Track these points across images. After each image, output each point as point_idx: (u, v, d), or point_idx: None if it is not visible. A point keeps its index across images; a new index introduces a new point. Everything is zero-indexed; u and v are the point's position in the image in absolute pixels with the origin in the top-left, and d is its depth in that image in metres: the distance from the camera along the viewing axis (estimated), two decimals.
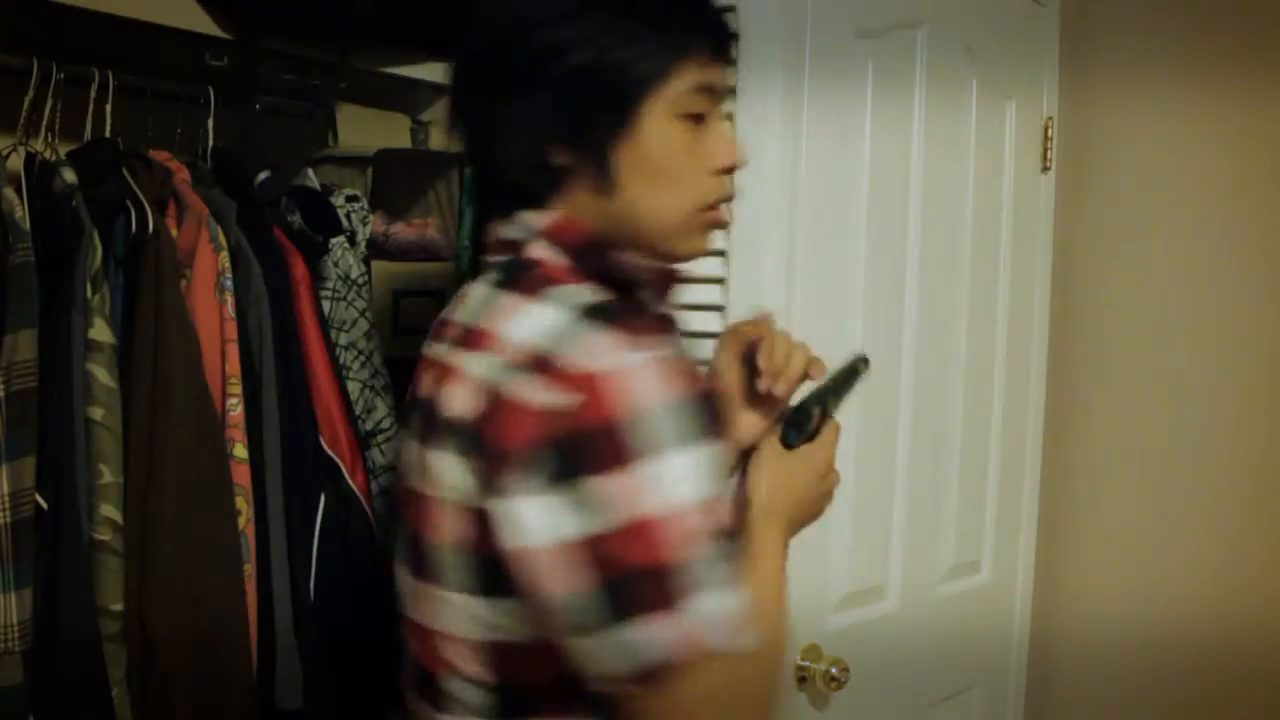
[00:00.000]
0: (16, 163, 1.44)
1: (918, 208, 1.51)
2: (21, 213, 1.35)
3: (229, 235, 1.52)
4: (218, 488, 1.42)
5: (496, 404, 0.86)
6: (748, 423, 1.15)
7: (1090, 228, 1.84)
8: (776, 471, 1.09)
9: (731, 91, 1.04)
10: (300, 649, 1.48)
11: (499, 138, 0.98)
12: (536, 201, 0.98)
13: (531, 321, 0.89)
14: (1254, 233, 1.74)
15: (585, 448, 0.82)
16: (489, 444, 0.85)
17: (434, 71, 1.99)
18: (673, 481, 0.82)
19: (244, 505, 1.44)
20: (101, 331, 1.37)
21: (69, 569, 1.32)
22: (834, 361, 1.14)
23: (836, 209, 1.38)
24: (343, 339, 1.70)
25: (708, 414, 0.86)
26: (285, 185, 1.66)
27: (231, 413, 1.46)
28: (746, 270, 1.29)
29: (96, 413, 1.35)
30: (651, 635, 0.81)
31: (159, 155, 1.54)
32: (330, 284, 1.72)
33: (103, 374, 1.36)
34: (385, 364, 1.74)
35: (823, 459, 1.12)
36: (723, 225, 1.03)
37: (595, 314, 0.88)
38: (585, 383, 0.83)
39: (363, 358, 1.72)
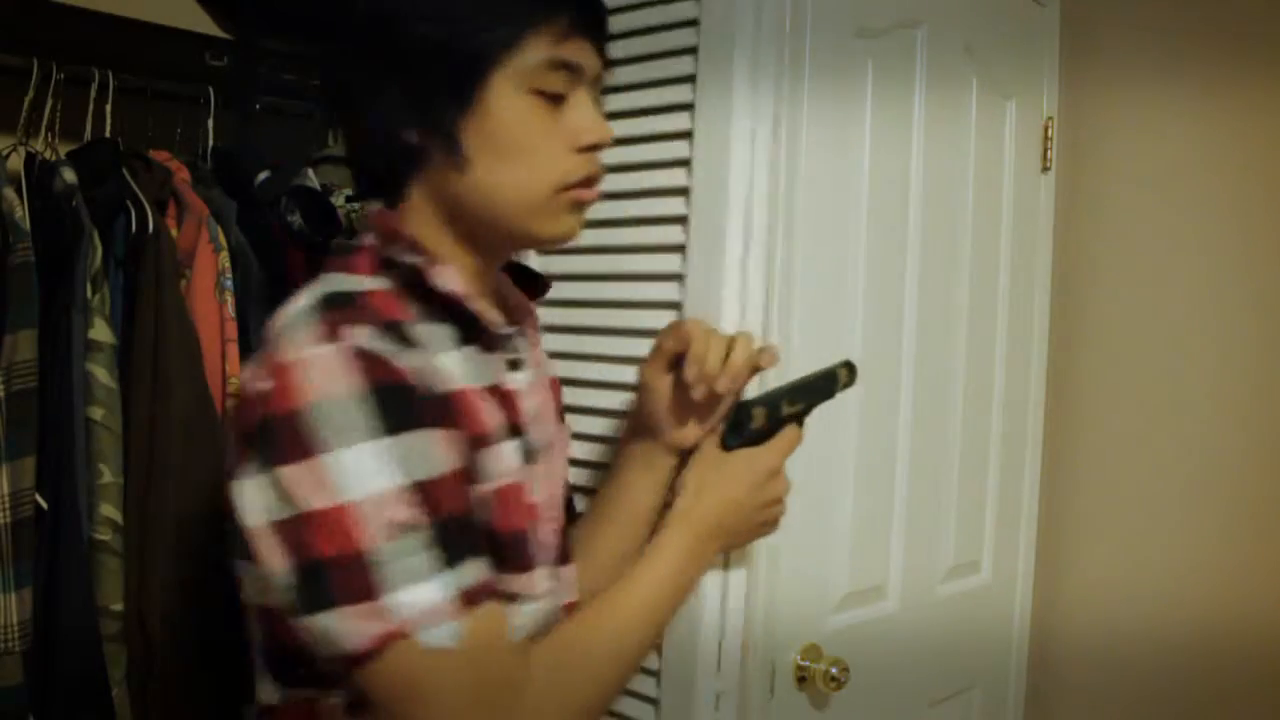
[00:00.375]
0: (16, 163, 1.44)
1: (917, 207, 1.51)
2: (21, 213, 1.35)
3: (229, 235, 1.52)
4: (218, 488, 1.41)
5: (240, 387, 0.91)
6: (693, 435, 1.12)
7: (1090, 228, 1.84)
8: (704, 474, 1.08)
9: (604, 74, 0.99)
10: None
11: (352, 120, 0.97)
12: (395, 186, 0.96)
13: (289, 308, 0.91)
14: (1255, 233, 1.74)
15: (273, 436, 0.83)
16: (229, 425, 0.92)
17: None
18: (354, 473, 0.81)
19: None
20: (101, 331, 1.37)
21: (69, 569, 1.32)
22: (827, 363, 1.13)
23: (836, 208, 1.38)
24: None
25: (402, 405, 0.84)
26: (285, 185, 1.66)
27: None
28: (748, 270, 1.29)
29: (96, 413, 1.36)
30: (343, 623, 0.81)
31: (159, 155, 1.54)
32: None
33: (103, 374, 1.36)
34: None
35: (764, 464, 1.08)
36: (586, 204, 0.99)
37: (324, 303, 0.89)
38: (278, 371, 0.84)
39: None
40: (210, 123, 1.66)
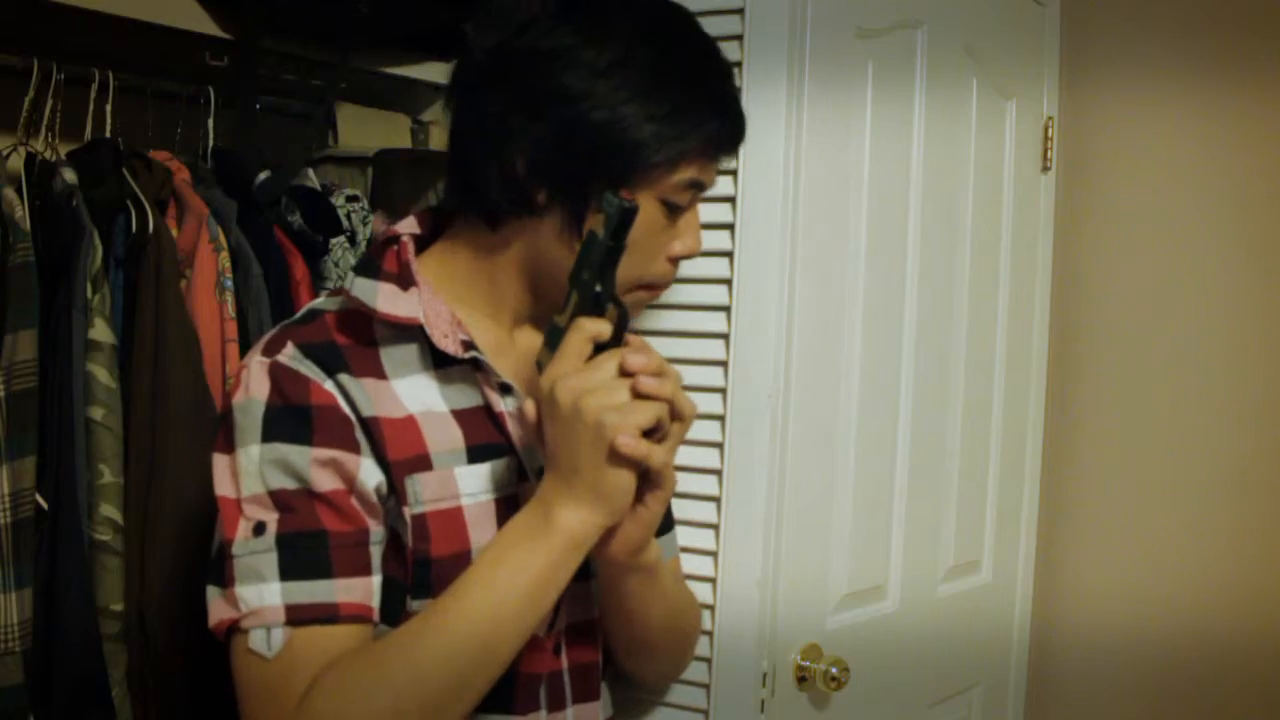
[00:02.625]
0: (16, 163, 1.44)
1: (917, 207, 1.51)
2: (21, 213, 1.35)
3: (229, 235, 1.52)
4: None
5: None
6: None
7: (1090, 228, 1.84)
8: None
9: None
10: None
11: (489, 143, 0.98)
12: (487, 216, 1.00)
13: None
14: (1257, 231, 1.74)
15: (220, 425, 0.97)
16: None
17: (434, 71, 1.99)
18: (243, 472, 0.92)
19: None
20: (102, 331, 1.37)
21: (69, 569, 1.32)
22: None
23: (837, 208, 1.38)
24: None
25: (293, 420, 0.91)
26: (285, 185, 1.66)
27: None
28: (749, 270, 1.29)
29: (96, 413, 1.36)
30: (211, 600, 0.93)
31: (159, 155, 1.54)
32: (330, 284, 1.72)
33: (103, 374, 1.36)
34: None
35: (550, 377, 0.89)
36: (647, 300, 1.06)
37: (300, 316, 1.01)
38: (240, 369, 0.97)
39: None
40: (210, 123, 1.65)
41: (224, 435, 0.96)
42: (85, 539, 1.34)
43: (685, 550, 1.31)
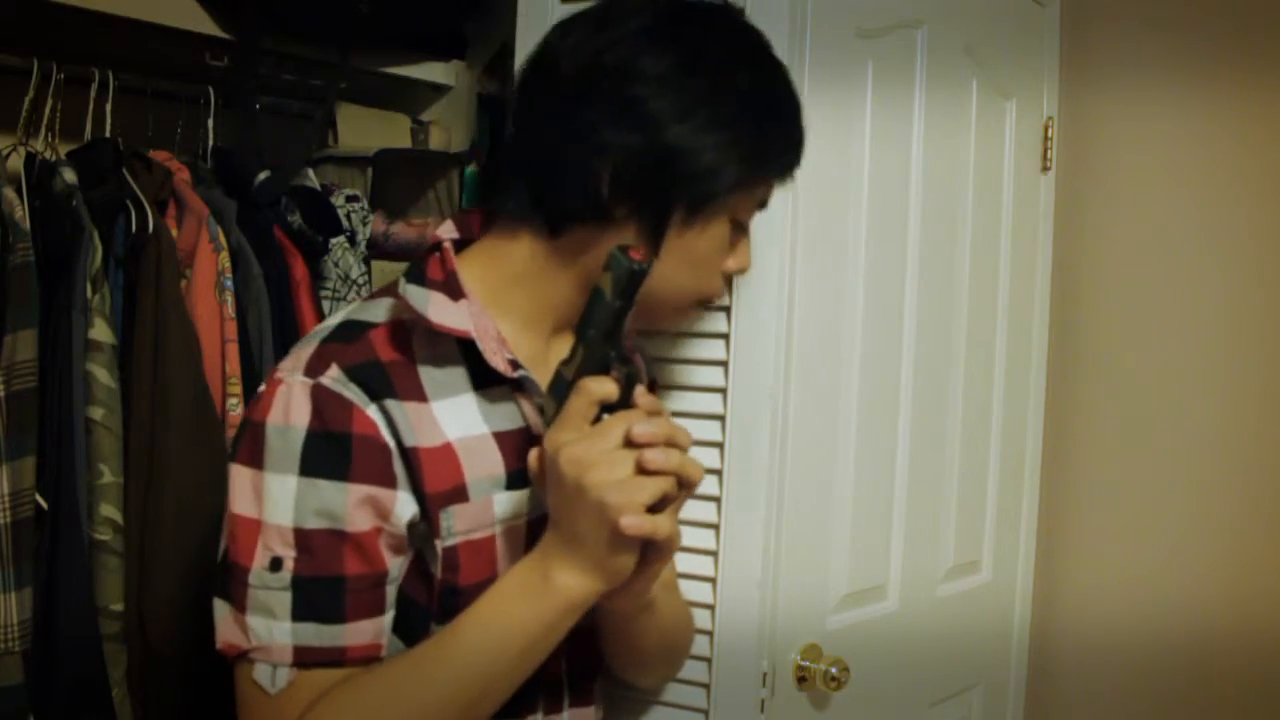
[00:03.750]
0: (16, 163, 1.44)
1: (917, 207, 1.51)
2: (21, 213, 1.35)
3: (229, 235, 1.52)
4: (218, 488, 1.41)
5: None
6: None
7: (1090, 228, 1.84)
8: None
9: None
10: None
11: (577, 152, 0.95)
12: (555, 220, 0.98)
13: (335, 315, 1.01)
14: (1257, 231, 1.74)
15: (241, 436, 0.93)
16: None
17: (434, 71, 1.99)
18: (269, 498, 0.89)
19: None
20: (102, 331, 1.37)
21: (69, 569, 1.32)
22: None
23: (837, 208, 1.38)
24: None
25: (332, 453, 0.89)
26: (285, 185, 1.66)
27: (231, 413, 1.46)
28: (749, 271, 1.29)
29: (96, 413, 1.36)
30: (221, 616, 0.92)
31: (159, 155, 1.55)
32: (330, 284, 1.72)
33: (103, 374, 1.36)
34: None
35: (550, 446, 0.86)
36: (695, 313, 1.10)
37: (336, 330, 0.95)
38: (269, 382, 0.93)
39: None
40: (210, 123, 1.66)
41: (250, 450, 0.91)
42: (85, 539, 1.34)
43: (685, 550, 1.31)
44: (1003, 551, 1.77)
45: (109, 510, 1.36)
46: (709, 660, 1.30)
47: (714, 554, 1.31)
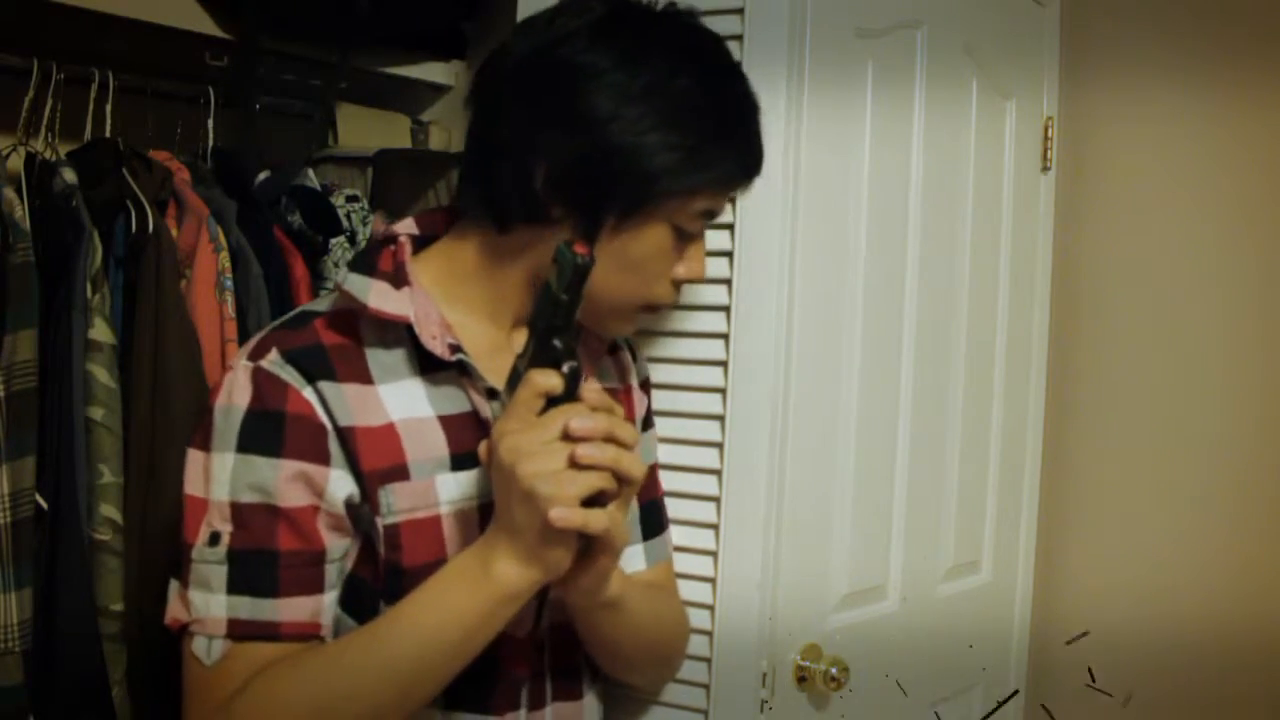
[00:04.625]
0: (16, 163, 1.44)
1: (917, 207, 1.51)
2: (21, 213, 1.35)
3: (229, 235, 1.52)
4: None
5: None
6: None
7: (1090, 228, 1.84)
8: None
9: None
10: None
11: (511, 150, 0.97)
12: (498, 217, 1.00)
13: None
14: (1257, 231, 1.74)
15: (198, 423, 0.98)
16: None
17: (434, 71, 1.99)
18: (212, 477, 0.93)
19: None
20: (102, 331, 1.37)
21: (69, 569, 1.32)
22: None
23: (836, 208, 1.38)
24: None
25: (265, 430, 0.92)
26: (285, 185, 1.66)
27: None
28: (749, 271, 1.29)
29: (96, 413, 1.36)
30: (170, 594, 0.96)
31: (159, 155, 1.54)
32: (330, 284, 1.72)
33: (103, 374, 1.36)
34: None
35: (496, 434, 0.87)
36: (649, 317, 1.09)
37: (287, 320, 1.01)
38: (225, 372, 0.98)
39: None
40: (210, 123, 1.66)
41: (202, 434, 0.96)
42: (85, 539, 1.34)
43: (685, 550, 1.31)
44: (1003, 551, 1.77)
45: (109, 510, 1.35)
46: (709, 660, 1.30)
47: (714, 554, 1.31)
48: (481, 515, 0.99)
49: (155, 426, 1.39)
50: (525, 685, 1.04)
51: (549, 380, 0.86)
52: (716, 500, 1.31)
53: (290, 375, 0.94)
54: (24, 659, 1.28)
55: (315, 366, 0.95)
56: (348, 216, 1.78)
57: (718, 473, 1.31)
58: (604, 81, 0.94)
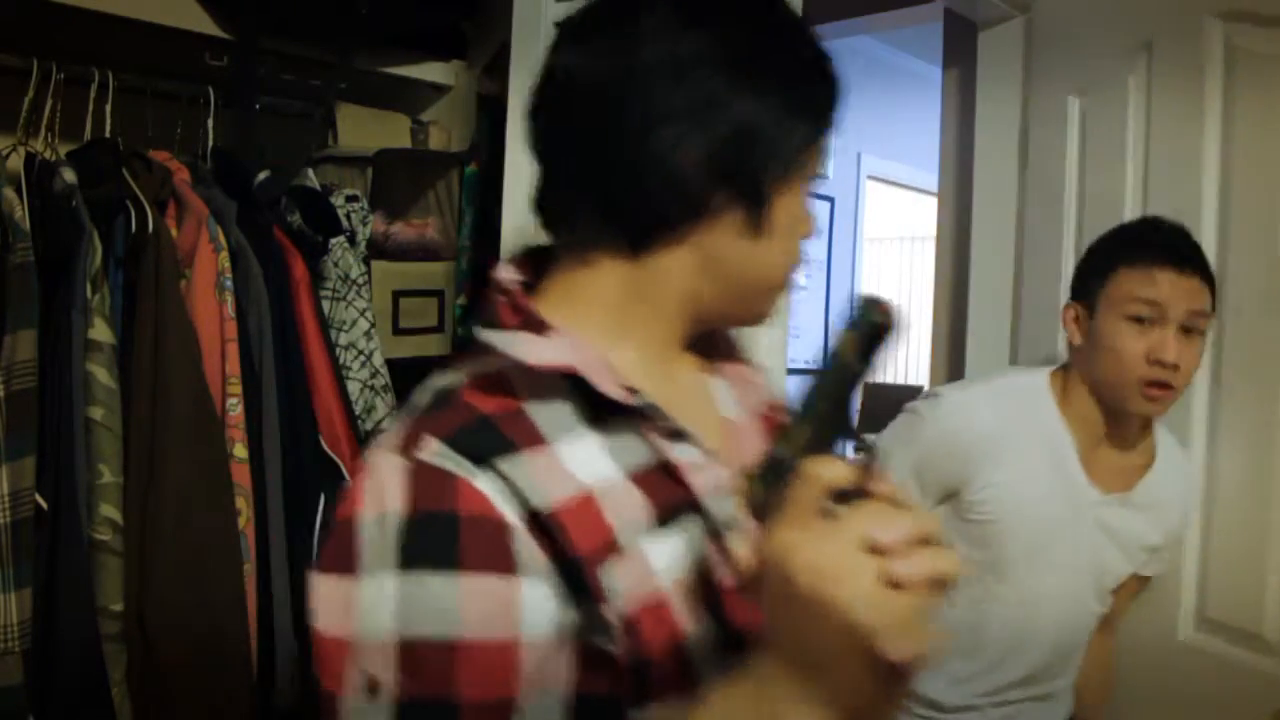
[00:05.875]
0: (16, 163, 1.44)
1: None
2: (21, 213, 1.36)
3: (229, 235, 1.52)
4: (218, 488, 1.42)
5: None
6: None
7: None
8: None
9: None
10: (300, 649, 1.48)
11: (650, 155, 0.87)
12: (638, 234, 0.90)
13: (422, 389, 0.85)
14: None
15: (327, 539, 0.79)
16: None
17: (434, 71, 1.99)
18: (354, 606, 0.74)
19: (244, 505, 1.44)
20: (101, 331, 1.37)
21: (69, 569, 1.32)
22: None
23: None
24: (342, 339, 1.71)
25: (439, 538, 0.74)
26: (285, 185, 1.66)
27: (231, 413, 1.46)
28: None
29: (96, 413, 1.36)
30: None
31: (159, 155, 1.54)
32: (330, 284, 1.72)
33: (103, 374, 1.36)
34: (384, 364, 1.74)
35: (791, 544, 0.69)
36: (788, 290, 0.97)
37: (429, 404, 0.82)
38: (359, 471, 0.79)
39: (362, 358, 1.72)
40: (210, 123, 1.66)
41: (336, 553, 0.76)
42: (85, 539, 1.34)
43: None
44: None
45: (109, 510, 1.35)
46: None
47: None
48: (699, 585, 0.84)
49: (155, 426, 1.39)
50: None
51: (834, 470, 0.71)
52: None
53: (459, 466, 0.77)
54: (24, 659, 1.28)
55: (487, 444, 0.79)
56: (348, 216, 1.78)
57: None
58: (715, 62, 0.88)
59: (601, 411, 0.84)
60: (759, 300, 0.94)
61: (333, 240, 1.72)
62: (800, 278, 1.00)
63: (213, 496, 1.41)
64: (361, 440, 1.66)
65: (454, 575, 0.74)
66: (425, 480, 0.76)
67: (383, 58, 1.89)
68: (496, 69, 1.95)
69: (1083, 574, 1.43)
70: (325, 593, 0.76)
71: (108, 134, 1.52)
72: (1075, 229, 1.78)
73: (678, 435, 0.87)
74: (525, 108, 0.94)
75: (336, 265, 1.73)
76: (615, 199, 0.89)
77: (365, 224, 1.83)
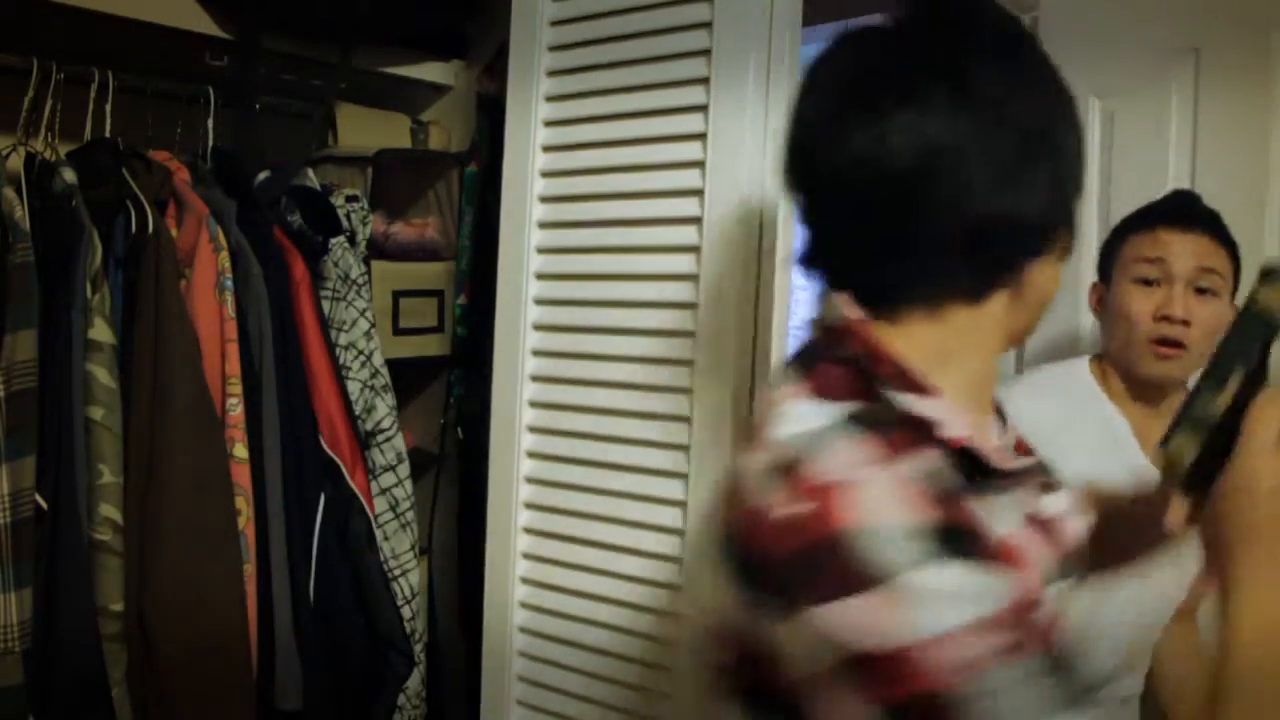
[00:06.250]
0: (16, 163, 1.44)
1: None
2: (21, 213, 1.36)
3: (229, 235, 1.52)
4: (218, 488, 1.42)
5: (744, 512, 0.79)
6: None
7: None
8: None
9: None
10: (300, 648, 1.48)
11: (1001, 201, 0.86)
12: (984, 282, 0.89)
13: (798, 421, 0.81)
14: None
15: (813, 568, 0.74)
16: (740, 555, 0.79)
17: (434, 71, 1.99)
18: (921, 601, 0.73)
19: (244, 505, 1.44)
20: (101, 331, 1.37)
21: (69, 569, 1.32)
22: None
23: None
24: (342, 339, 1.71)
25: (960, 542, 0.75)
26: (285, 185, 1.66)
27: (231, 413, 1.46)
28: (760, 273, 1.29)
29: (96, 413, 1.36)
30: None
31: (159, 155, 1.55)
32: (330, 284, 1.72)
33: (103, 374, 1.36)
34: (384, 364, 1.74)
35: (1263, 472, 0.81)
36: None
37: (857, 420, 0.80)
38: (821, 494, 0.75)
39: (362, 358, 1.72)
40: (210, 123, 1.66)
41: (839, 576, 0.73)
42: (85, 539, 1.34)
43: (660, 530, 1.30)
44: None
45: (109, 510, 1.35)
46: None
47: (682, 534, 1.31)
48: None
49: (155, 426, 1.39)
50: None
51: None
52: (684, 477, 1.30)
53: (952, 484, 0.80)
54: (24, 659, 1.28)
55: (964, 473, 0.82)
56: (348, 216, 1.78)
57: (685, 449, 1.30)
58: (1039, 96, 0.89)
59: (974, 472, 0.84)
60: (1043, 314, 0.95)
61: (333, 240, 1.71)
62: None
63: (213, 496, 1.41)
64: (361, 440, 1.66)
65: (991, 566, 0.76)
66: (922, 488, 0.76)
67: (383, 58, 1.89)
68: (496, 69, 1.95)
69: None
70: (854, 614, 0.73)
71: (108, 134, 1.52)
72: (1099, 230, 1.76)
73: (1049, 486, 0.92)
74: (784, 184, 0.91)
75: (336, 265, 1.73)
76: (968, 250, 0.87)
77: (365, 224, 1.83)
